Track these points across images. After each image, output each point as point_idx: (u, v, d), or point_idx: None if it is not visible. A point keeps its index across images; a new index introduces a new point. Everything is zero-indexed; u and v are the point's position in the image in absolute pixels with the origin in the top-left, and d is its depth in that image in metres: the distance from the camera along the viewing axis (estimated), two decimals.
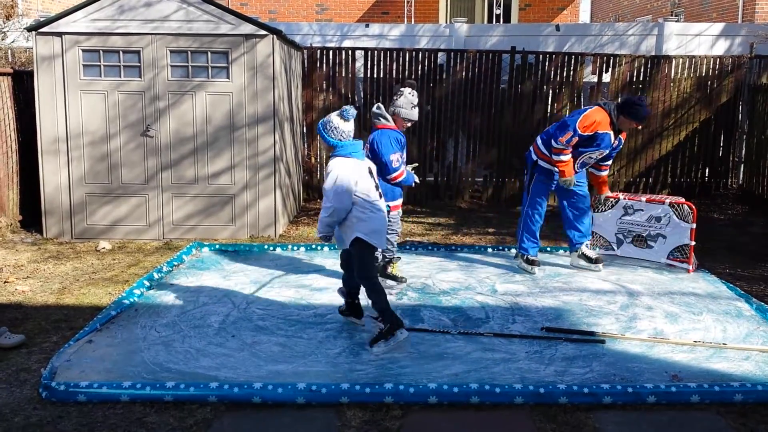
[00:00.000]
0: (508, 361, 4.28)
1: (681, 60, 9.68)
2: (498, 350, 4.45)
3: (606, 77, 9.59)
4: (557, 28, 10.66)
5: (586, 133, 5.84)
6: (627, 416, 3.66)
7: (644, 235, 6.44)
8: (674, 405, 3.74)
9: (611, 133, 5.94)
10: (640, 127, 7.25)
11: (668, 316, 5.06)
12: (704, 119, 9.78)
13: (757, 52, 9.83)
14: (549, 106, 9.62)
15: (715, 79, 9.72)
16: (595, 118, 5.85)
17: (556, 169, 6.05)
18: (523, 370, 4.15)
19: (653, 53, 10.25)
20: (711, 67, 9.70)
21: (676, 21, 11.03)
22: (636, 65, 9.63)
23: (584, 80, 9.57)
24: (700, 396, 3.76)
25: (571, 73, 9.53)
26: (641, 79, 9.66)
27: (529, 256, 6.25)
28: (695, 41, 10.50)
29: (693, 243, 6.22)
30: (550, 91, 9.60)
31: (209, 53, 7.09)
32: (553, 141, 5.95)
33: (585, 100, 9.58)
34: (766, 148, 9.42)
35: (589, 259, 6.29)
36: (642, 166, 9.80)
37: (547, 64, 9.54)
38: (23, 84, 7.60)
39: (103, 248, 6.95)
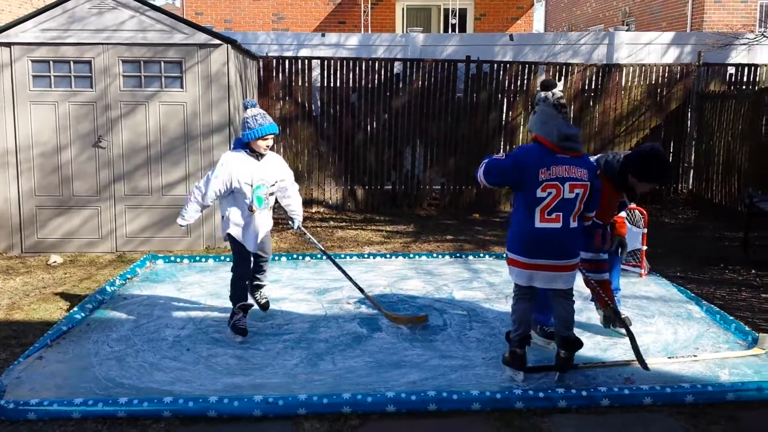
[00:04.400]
0: (466, 368, 4.31)
1: (632, 68, 9.91)
2: (455, 357, 4.48)
3: (560, 85, 9.76)
4: (511, 37, 10.82)
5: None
6: (582, 420, 3.71)
7: None
8: (628, 407, 3.80)
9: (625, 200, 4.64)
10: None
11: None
12: (654, 126, 10.02)
13: (705, 60, 10.12)
14: (504, 115, 9.74)
15: (664, 87, 9.97)
16: (606, 202, 4.43)
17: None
18: (480, 376, 4.18)
19: (605, 62, 10.47)
20: (661, 75, 9.95)
21: (627, 30, 11.29)
22: (588, 74, 9.82)
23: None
24: (652, 398, 3.83)
25: (526, 81, 9.68)
26: (593, 87, 9.85)
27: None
28: (645, 50, 10.77)
29: (645, 248, 6.36)
30: (505, 100, 9.73)
31: (162, 63, 7.01)
32: (583, 252, 4.41)
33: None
34: (714, 154, 9.69)
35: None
36: None
37: (501, 73, 9.67)
38: None
39: (55, 262, 6.79)
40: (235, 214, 4.72)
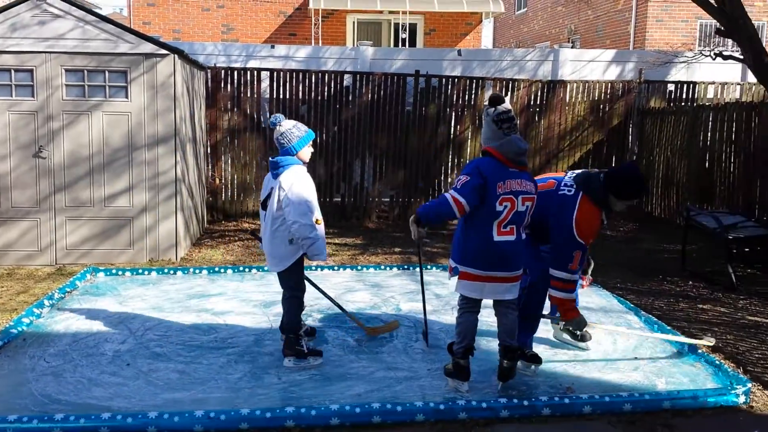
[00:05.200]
0: (411, 379, 4.32)
1: (575, 84, 10.16)
2: (401, 368, 4.49)
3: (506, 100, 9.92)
4: (459, 53, 10.99)
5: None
6: (524, 429, 3.76)
7: None
8: (568, 416, 3.87)
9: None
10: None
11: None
12: (597, 141, 10.28)
13: (647, 78, 10.44)
14: (452, 128, 9.87)
15: (607, 103, 10.24)
16: (591, 221, 4.25)
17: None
18: (424, 387, 4.20)
19: (550, 78, 10.71)
20: (603, 91, 10.23)
21: (571, 48, 11.58)
22: (534, 89, 10.03)
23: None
24: (591, 407, 3.91)
25: (473, 96, 9.83)
26: (538, 102, 10.06)
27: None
28: (589, 67, 11.06)
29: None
30: (453, 114, 9.86)
31: (107, 72, 6.89)
32: (558, 271, 4.28)
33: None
34: (654, 168, 9.99)
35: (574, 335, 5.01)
36: None
37: (450, 87, 9.80)
38: None
39: None
40: (321, 231, 4.48)
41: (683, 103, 10.18)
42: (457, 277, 4.14)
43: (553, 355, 4.77)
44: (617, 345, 4.99)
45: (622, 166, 4.47)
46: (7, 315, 5.40)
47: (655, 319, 5.43)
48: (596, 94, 10.21)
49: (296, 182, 4.35)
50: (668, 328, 5.23)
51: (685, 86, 10.32)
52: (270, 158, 4.53)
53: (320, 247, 4.43)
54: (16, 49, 6.74)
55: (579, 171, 4.48)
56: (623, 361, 4.69)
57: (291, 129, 4.43)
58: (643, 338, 5.10)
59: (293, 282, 4.55)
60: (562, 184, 4.35)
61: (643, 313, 5.64)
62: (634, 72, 10.91)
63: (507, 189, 3.96)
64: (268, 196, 4.46)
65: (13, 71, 6.78)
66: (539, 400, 3.91)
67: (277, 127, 4.45)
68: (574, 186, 4.29)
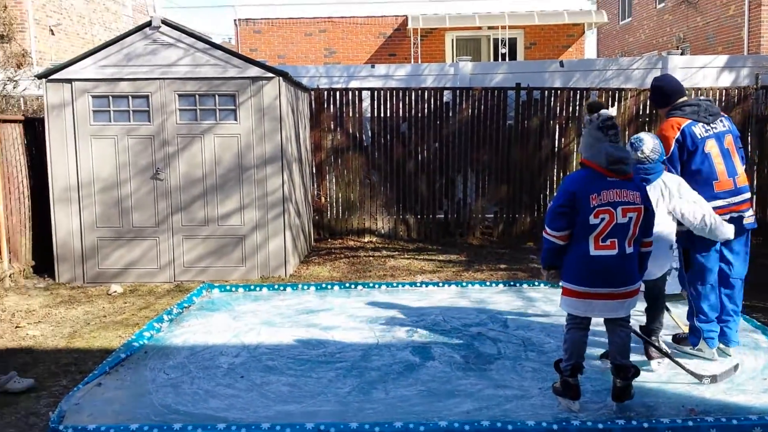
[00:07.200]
0: (521, 398, 4.21)
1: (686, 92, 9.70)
2: (510, 387, 4.39)
3: (612, 110, 9.62)
4: (561, 64, 10.76)
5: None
6: None
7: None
8: None
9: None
10: None
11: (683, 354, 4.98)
12: None
13: (764, 83, 9.85)
14: (556, 141, 9.65)
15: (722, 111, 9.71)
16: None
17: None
18: (536, 407, 4.08)
19: None
20: (717, 98, 9.72)
21: (680, 55, 11.11)
22: (642, 99, 9.66)
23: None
24: (717, 430, 3.67)
25: (577, 108, 9.58)
26: (647, 112, 9.68)
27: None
28: (700, 74, 10.55)
29: None
30: (557, 127, 9.65)
31: (217, 96, 7.20)
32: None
33: None
34: None
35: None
36: None
37: (552, 99, 9.60)
38: (35, 130, 7.72)
39: (115, 292, 6.96)
40: None
41: None
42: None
43: (674, 375, 4.52)
44: (744, 365, 4.67)
45: None
46: (130, 329, 5.70)
47: None
48: (710, 99, 9.70)
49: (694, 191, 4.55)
50: None
51: None
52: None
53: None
54: (132, 77, 7.16)
55: None
56: (751, 382, 4.38)
57: (654, 147, 4.47)
58: None
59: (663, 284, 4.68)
60: None
61: None
62: (749, 78, 10.32)
63: (603, 200, 3.81)
64: None
65: (130, 97, 7.20)
66: (660, 422, 3.71)
67: (642, 147, 4.47)
68: None
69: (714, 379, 4.36)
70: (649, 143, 4.46)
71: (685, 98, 4.85)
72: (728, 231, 4.50)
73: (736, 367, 4.48)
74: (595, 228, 3.82)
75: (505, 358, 4.89)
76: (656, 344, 4.59)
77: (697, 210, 4.44)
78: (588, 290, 3.88)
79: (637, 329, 4.55)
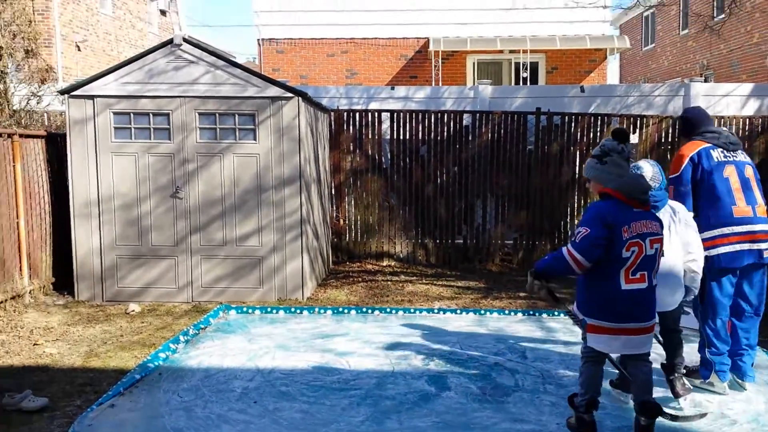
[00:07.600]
0: None
1: None
2: (528, 421, 4.30)
3: (633, 138, 9.54)
4: (582, 89, 10.70)
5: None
6: None
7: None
8: None
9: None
10: None
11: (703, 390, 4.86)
12: None
13: None
14: (577, 167, 9.57)
15: (745, 140, 9.59)
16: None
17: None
18: None
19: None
20: (741, 127, 9.61)
21: (704, 82, 11.01)
22: (663, 126, 9.58)
23: None
24: None
25: (598, 133, 9.51)
26: (669, 140, 9.58)
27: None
28: (723, 102, 10.44)
29: None
30: (578, 152, 9.57)
31: (237, 116, 7.22)
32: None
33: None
34: None
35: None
36: None
37: (573, 125, 9.54)
38: (56, 146, 7.77)
39: (133, 311, 6.96)
40: None
41: None
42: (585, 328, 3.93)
43: (696, 413, 4.41)
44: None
45: None
46: (147, 350, 5.68)
47: None
48: (733, 131, 9.58)
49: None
50: None
51: None
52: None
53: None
54: (153, 94, 7.20)
55: None
56: None
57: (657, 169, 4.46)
58: None
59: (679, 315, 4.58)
60: None
61: None
62: None
63: (634, 233, 3.74)
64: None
65: (151, 115, 7.24)
66: None
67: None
68: None
69: (703, 415, 4.24)
70: (648, 171, 4.39)
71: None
72: (698, 283, 4.46)
73: (703, 415, 4.26)
74: (627, 261, 3.74)
75: (522, 391, 4.81)
76: (682, 380, 4.48)
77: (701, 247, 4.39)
78: (618, 326, 3.78)
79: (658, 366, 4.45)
